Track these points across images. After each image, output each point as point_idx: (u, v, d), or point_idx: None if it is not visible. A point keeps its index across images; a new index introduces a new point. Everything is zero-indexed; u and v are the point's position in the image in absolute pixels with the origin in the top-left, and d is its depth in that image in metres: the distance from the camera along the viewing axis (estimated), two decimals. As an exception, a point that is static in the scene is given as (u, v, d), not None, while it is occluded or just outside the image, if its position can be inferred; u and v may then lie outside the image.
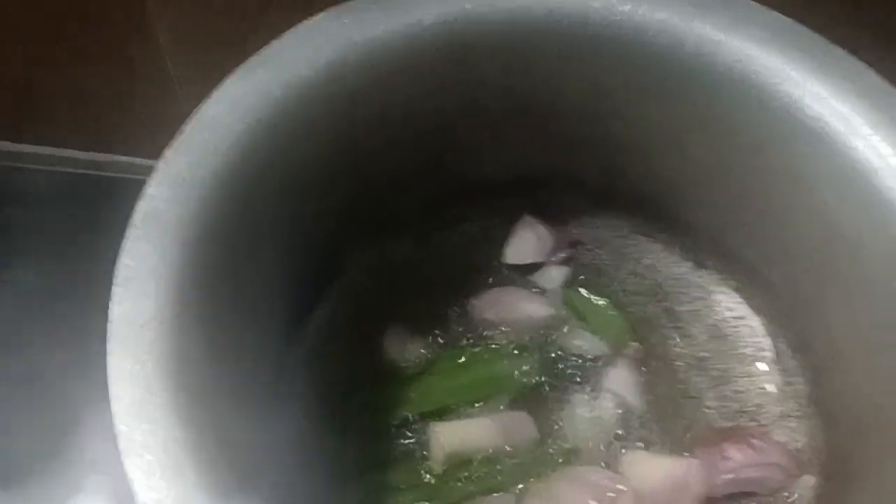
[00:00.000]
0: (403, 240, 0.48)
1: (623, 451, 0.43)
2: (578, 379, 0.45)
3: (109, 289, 0.32)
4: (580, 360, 0.46)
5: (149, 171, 0.33)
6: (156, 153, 0.34)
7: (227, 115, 0.34)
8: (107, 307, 0.31)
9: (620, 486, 0.40)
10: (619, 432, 0.43)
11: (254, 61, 0.36)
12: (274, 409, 0.39)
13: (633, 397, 0.44)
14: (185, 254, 0.32)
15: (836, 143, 0.35)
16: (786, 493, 0.41)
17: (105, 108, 0.60)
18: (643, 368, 0.46)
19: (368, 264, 0.47)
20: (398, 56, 0.37)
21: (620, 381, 0.45)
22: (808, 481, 0.41)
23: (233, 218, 0.34)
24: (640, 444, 0.43)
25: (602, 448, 0.43)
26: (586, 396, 0.44)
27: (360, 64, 0.36)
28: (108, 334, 0.31)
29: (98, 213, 0.58)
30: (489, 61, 0.40)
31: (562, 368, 0.45)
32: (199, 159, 0.33)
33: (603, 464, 0.42)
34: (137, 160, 0.63)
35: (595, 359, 0.46)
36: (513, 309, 0.47)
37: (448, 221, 0.49)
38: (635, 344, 0.46)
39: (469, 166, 0.46)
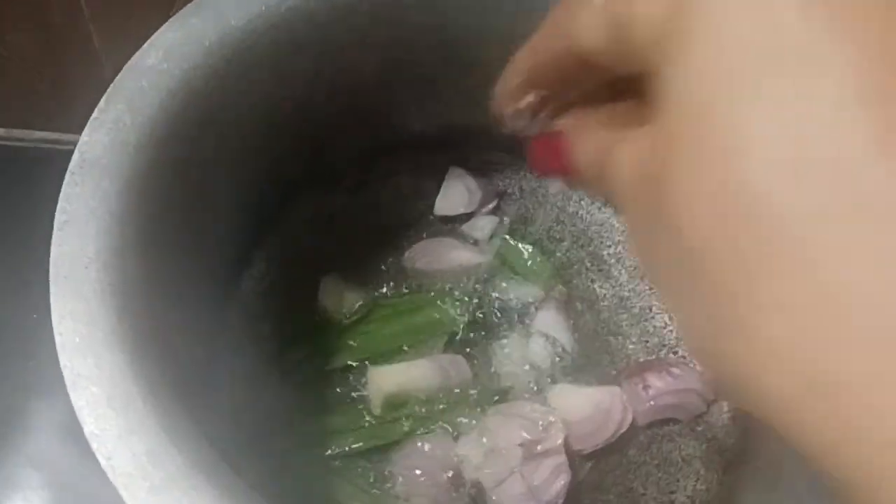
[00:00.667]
0: (338, 193, 0.49)
1: (552, 386, 0.45)
2: (509, 321, 0.47)
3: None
4: (510, 304, 0.48)
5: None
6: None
7: (162, 62, 0.35)
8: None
9: (550, 418, 0.43)
10: (549, 369, 0.46)
11: (187, 11, 0.36)
12: (216, 347, 0.40)
13: (561, 336, 0.47)
14: (125, 197, 0.33)
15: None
16: (704, 418, 0.44)
17: (24, 78, 0.59)
18: (570, 310, 0.48)
19: (305, 217, 0.48)
20: (332, 6, 0.38)
21: (549, 322, 0.47)
22: (724, 406, 0.44)
23: (172, 163, 0.35)
24: (569, 380, 0.45)
25: (533, 385, 0.45)
26: (517, 337, 0.46)
27: (294, 13, 0.37)
28: (51, 275, 0.31)
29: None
30: (419, 13, 0.41)
31: (493, 312, 0.47)
32: (136, 105, 0.34)
33: (534, 399, 0.44)
34: (56, 135, 0.62)
35: (524, 302, 0.48)
36: (444, 258, 0.49)
37: (381, 175, 0.50)
38: (561, 287, 0.48)
39: (401, 120, 0.47)
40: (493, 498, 0.42)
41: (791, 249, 0.15)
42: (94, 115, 0.34)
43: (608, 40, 0.19)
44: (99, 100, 0.35)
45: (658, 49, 0.17)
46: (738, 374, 0.16)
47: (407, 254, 0.49)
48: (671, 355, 0.46)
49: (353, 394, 0.45)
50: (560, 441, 0.42)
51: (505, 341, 0.46)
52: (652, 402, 0.43)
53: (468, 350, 0.46)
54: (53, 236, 0.32)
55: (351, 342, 0.46)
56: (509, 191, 0.51)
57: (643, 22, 0.17)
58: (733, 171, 0.15)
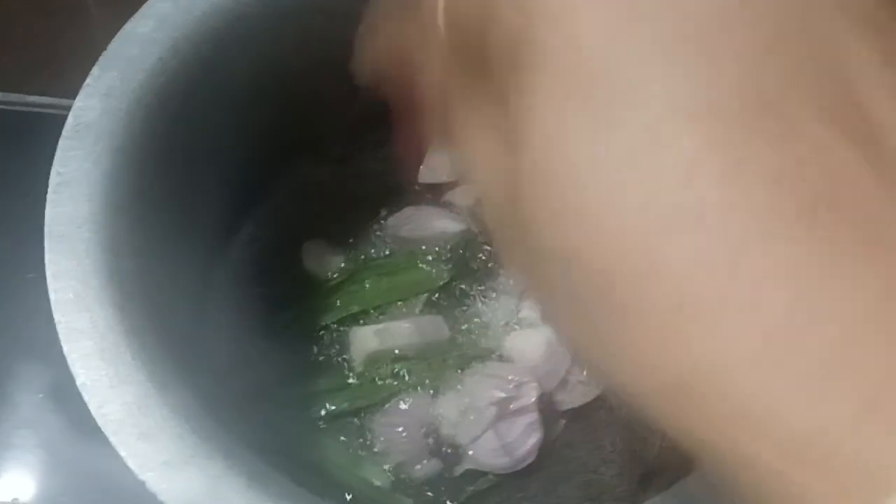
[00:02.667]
0: (325, 163, 0.51)
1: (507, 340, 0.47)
2: (487, 287, 0.49)
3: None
4: (489, 270, 0.49)
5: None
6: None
7: (154, 31, 0.36)
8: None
9: (524, 377, 0.44)
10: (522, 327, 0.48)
11: (178, -18, 0.38)
12: (204, 308, 0.42)
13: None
14: (117, 160, 0.34)
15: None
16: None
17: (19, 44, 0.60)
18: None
19: (292, 185, 0.50)
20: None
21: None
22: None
23: (162, 129, 0.36)
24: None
25: (505, 343, 0.47)
26: (493, 299, 0.48)
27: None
28: (46, 235, 0.33)
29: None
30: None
31: (471, 276, 0.49)
32: (128, 73, 0.35)
33: (504, 359, 0.46)
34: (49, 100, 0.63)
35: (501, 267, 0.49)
36: (427, 226, 0.50)
37: (367, 145, 0.51)
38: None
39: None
40: (469, 454, 0.44)
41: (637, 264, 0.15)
42: (88, 81, 0.36)
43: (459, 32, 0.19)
44: (92, 66, 0.36)
45: (511, 57, 0.16)
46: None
47: (390, 221, 0.50)
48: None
49: (338, 357, 0.47)
50: (533, 399, 0.44)
51: (481, 305, 0.48)
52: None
53: (447, 311, 0.48)
54: (48, 197, 0.34)
55: (335, 302, 0.48)
56: (491, 160, 0.52)
57: (501, 26, 0.17)
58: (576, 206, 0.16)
